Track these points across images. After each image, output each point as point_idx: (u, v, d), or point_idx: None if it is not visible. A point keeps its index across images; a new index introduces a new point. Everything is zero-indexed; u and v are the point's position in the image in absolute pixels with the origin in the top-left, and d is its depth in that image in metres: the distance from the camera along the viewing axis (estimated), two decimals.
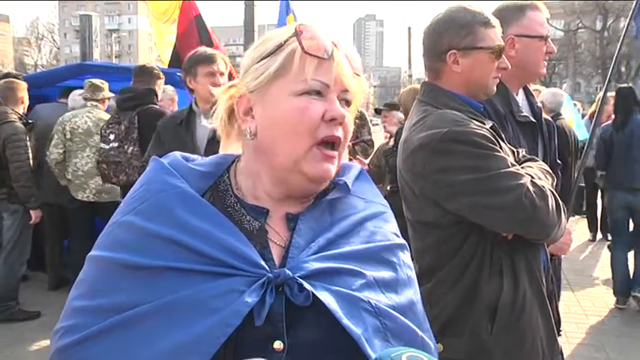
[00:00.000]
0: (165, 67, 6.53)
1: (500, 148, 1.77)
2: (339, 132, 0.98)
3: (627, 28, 3.32)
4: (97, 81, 5.41)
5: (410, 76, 27.50)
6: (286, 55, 0.97)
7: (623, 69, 45.78)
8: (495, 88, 1.91)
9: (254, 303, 0.87)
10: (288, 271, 0.92)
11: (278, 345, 0.90)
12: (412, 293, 1.05)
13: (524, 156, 1.96)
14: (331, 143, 0.98)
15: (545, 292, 1.89)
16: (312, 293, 0.90)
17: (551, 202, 1.71)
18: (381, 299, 0.97)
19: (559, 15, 47.25)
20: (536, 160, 1.97)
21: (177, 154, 1.08)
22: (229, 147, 1.12)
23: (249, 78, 1.01)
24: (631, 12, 3.18)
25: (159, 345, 0.85)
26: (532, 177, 1.76)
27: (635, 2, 3.16)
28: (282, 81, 0.97)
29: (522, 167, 1.85)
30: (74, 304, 0.94)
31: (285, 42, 0.99)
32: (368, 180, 1.17)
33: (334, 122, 0.97)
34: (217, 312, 0.86)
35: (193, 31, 6.35)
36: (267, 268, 0.92)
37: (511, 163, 1.73)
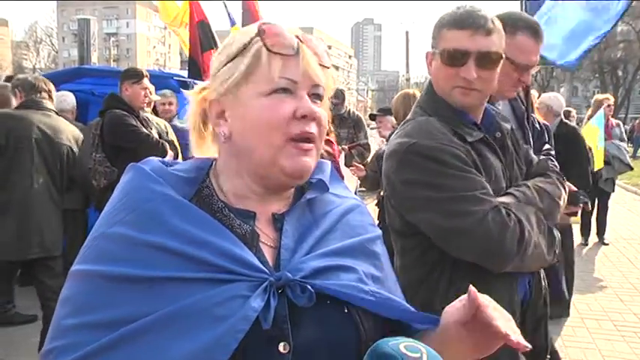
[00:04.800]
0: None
1: (477, 167, 1.68)
2: (312, 128, 0.98)
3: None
4: None
5: (408, 79, 27.53)
6: (252, 56, 0.97)
7: (620, 73, 45.90)
8: (461, 101, 1.73)
9: (260, 307, 0.87)
10: (288, 274, 0.92)
11: (283, 347, 0.90)
12: (393, 283, 1.12)
13: (546, 166, 1.87)
14: (306, 138, 0.98)
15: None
16: (314, 293, 0.91)
17: (511, 232, 1.61)
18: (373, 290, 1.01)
19: None
20: (555, 172, 1.88)
21: (156, 158, 1.06)
22: (203, 148, 1.10)
23: (217, 82, 1.01)
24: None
25: (169, 357, 0.83)
26: (516, 197, 1.69)
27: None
28: (250, 82, 0.97)
29: (528, 183, 1.78)
30: (65, 323, 0.89)
31: (249, 42, 0.98)
32: (337, 177, 1.19)
33: (306, 119, 0.97)
34: (224, 319, 0.85)
35: (197, 37, 6.36)
36: (267, 271, 0.92)
37: (481, 186, 1.64)
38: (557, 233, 1.80)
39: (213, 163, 1.08)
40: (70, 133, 4.30)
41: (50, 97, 4.27)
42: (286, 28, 0.99)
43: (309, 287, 0.91)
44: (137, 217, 0.93)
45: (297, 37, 0.99)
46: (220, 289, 0.88)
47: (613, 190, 7.98)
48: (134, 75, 4.64)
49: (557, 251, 1.79)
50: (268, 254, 0.98)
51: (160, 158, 1.06)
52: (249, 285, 0.89)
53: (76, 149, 4.27)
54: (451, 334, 0.98)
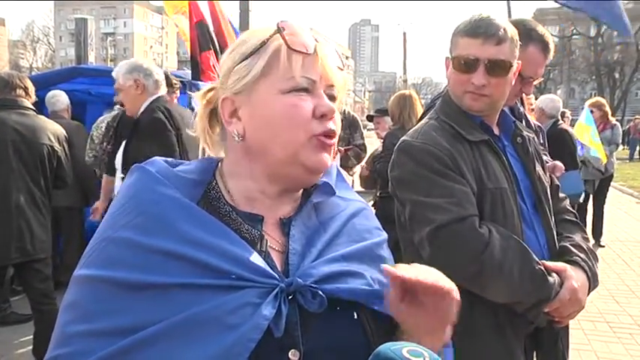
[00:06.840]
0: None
1: (474, 166, 1.74)
2: (332, 125, 0.97)
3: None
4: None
5: (405, 81, 27.46)
6: (272, 53, 0.95)
7: (617, 75, 46.03)
8: (471, 106, 1.79)
9: (272, 315, 0.86)
10: (299, 279, 0.91)
11: (293, 354, 0.88)
12: None
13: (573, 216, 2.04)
14: (328, 135, 0.97)
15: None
16: (326, 299, 0.91)
17: (469, 245, 1.64)
18: None
19: (554, 21, 47.50)
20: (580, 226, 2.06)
21: (160, 159, 1.03)
22: (216, 148, 1.08)
23: (232, 80, 0.98)
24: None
25: None
26: (586, 272, 1.76)
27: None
28: (268, 79, 0.95)
29: (583, 246, 1.86)
30: (69, 330, 0.86)
31: (268, 39, 0.96)
32: (342, 178, 1.18)
33: (325, 118, 0.95)
34: (235, 328, 0.83)
35: (195, 38, 6.35)
36: (277, 277, 0.90)
37: (451, 194, 1.67)
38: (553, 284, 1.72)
39: (219, 163, 1.05)
40: (51, 131, 4.04)
41: (27, 94, 4.00)
42: (302, 27, 0.98)
43: (320, 292, 0.90)
44: (144, 221, 0.91)
45: (314, 37, 0.97)
46: (231, 297, 0.86)
47: (593, 192, 7.97)
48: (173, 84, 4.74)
49: (541, 309, 1.73)
50: (276, 259, 0.97)
51: (164, 158, 1.04)
52: (260, 292, 0.88)
53: (58, 147, 4.03)
54: (400, 316, 0.96)
